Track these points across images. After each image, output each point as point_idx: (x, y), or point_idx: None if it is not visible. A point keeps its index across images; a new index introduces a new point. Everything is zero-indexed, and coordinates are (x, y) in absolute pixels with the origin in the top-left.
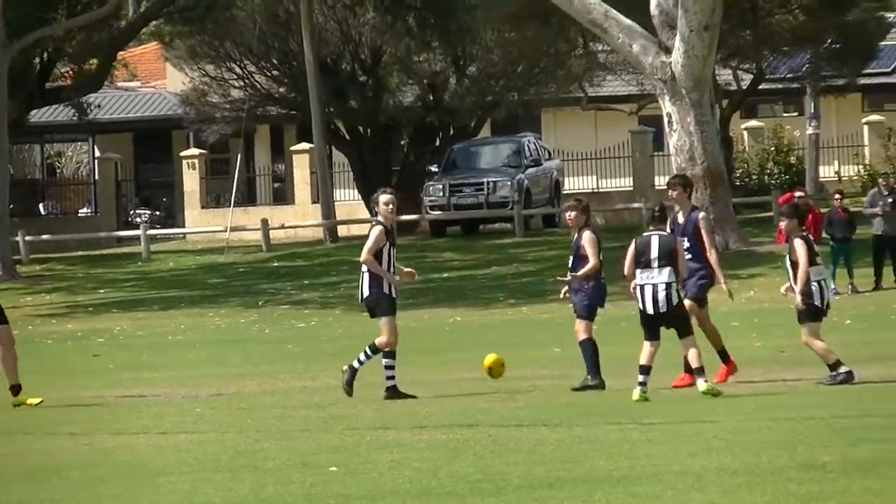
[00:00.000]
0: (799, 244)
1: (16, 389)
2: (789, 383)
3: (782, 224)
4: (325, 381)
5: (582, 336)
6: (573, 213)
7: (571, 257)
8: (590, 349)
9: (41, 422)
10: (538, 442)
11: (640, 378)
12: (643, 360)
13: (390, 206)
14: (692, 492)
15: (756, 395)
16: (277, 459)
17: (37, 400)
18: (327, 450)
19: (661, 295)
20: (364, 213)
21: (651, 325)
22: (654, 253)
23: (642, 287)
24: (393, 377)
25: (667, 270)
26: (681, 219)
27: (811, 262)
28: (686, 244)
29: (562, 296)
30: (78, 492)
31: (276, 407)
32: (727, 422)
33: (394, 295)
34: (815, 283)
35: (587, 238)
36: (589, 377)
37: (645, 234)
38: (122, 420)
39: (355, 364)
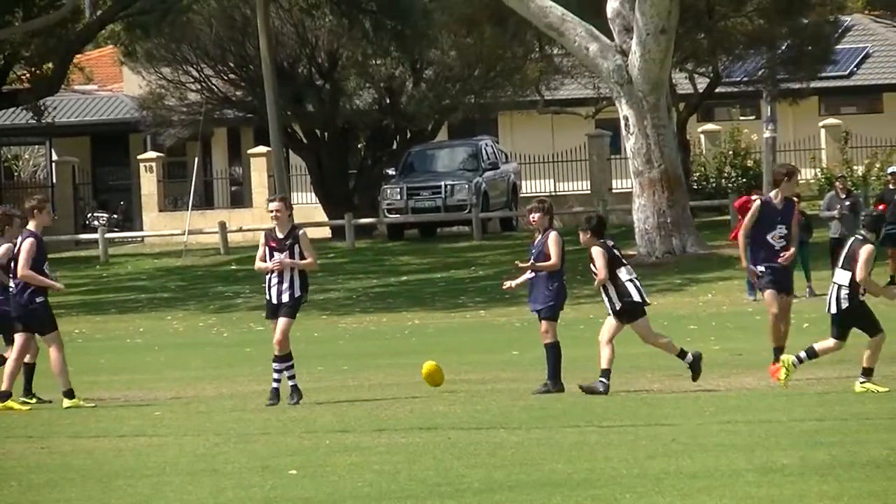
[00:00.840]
0: (597, 253)
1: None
2: (747, 386)
3: (581, 238)
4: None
5: (547, 339)
6: (537, 215)
7: (532, 259)
8: (553, 353)
9: None
10: (497, 445)
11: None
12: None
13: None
14: (652, 495)
15: (714, 397)
16: (237, 463)
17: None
18: (286, 453)
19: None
20: (322, 216)
21: None
22: None
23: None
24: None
25: None
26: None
27: (617, 266)
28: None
29: (505, 286)
30: (37, 496)
31: (235, 410)
32: (686, 425)
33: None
34: (628, 283)
35: (553, 238)
36: (550, 382)
37: None
38: (80, 424)
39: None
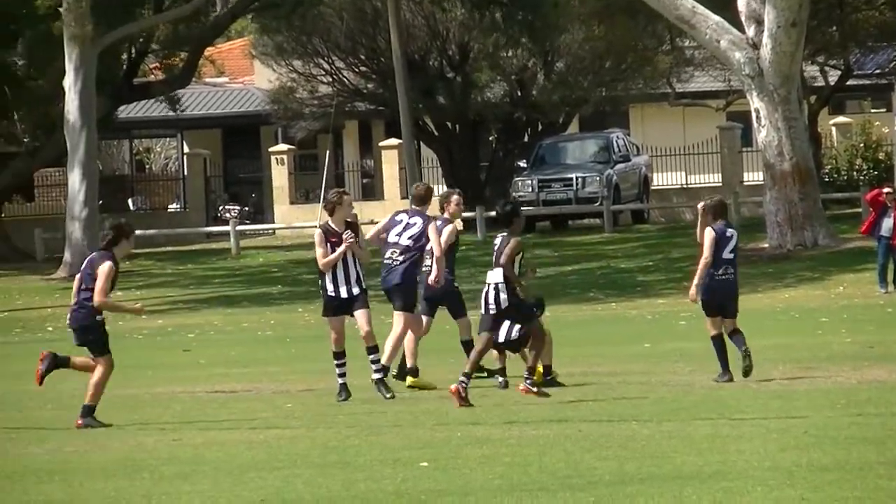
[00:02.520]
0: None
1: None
2: (879, 379)
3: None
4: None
5: (713, 332)
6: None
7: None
8: (719, 345)
9: (131, 417)
10: (628, 437)
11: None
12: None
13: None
14: (783, 488)
15: (845, 390)
16: (368, 455)
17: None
18: (417, 445)
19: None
20: None
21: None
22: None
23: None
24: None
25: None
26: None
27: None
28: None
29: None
30: (169, 487)
31: (366, 402)
32: (817, 417)
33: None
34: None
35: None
36: (722, 372)
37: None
38: (212, 415)
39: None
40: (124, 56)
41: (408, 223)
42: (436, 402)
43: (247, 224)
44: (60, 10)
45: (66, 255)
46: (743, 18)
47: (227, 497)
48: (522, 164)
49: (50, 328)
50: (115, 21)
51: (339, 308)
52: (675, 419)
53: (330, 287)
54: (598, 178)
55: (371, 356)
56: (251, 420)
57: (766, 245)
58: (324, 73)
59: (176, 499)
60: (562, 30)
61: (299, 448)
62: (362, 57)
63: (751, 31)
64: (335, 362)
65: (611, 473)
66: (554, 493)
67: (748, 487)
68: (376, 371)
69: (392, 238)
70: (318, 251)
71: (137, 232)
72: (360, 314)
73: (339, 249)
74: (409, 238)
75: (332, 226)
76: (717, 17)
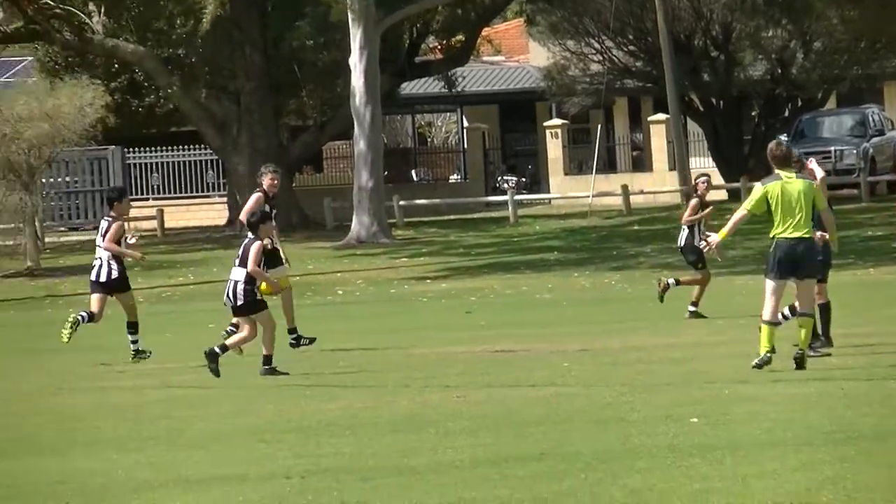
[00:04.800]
0: None
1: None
2: None
3: None
4: (685, 338)
5: None
6: None
7: None
8: None
9: (417, 375)
10: (888, 395)
11: None
12: None
13: None
14: None
15: None
16: (642, 412)
17: None
18: (689, 402)
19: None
20: (719, 180)
21: None
22: None
23: None
24: None
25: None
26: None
27: None
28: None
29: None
30: (454, 442)
31: (640, 362)
32: None
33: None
34: None
35: None
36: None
37: None
38: (493, 374)
39: None
40: (406, 36)
41: None
42: (707, 363)
43: (524, 194)
44: None
45: (353, 224)
46: None
47: (509, 450)
48: (784, 137)
49: (340, 291)
50: (397, 3)
51: None
52: None
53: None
54: (855, 151)
55: None
56: (530, 378)
57: None
58: (595, 51)
59: (461, 452)
60: (818, 13)
61: (576, 405)
62: (631, 37)
63: None
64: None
65: (871, 428)
66: (818, 448)
67: None
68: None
69: None
70: None
71: (421, 201)
72: None
73: None
74: None
75: None
76: None
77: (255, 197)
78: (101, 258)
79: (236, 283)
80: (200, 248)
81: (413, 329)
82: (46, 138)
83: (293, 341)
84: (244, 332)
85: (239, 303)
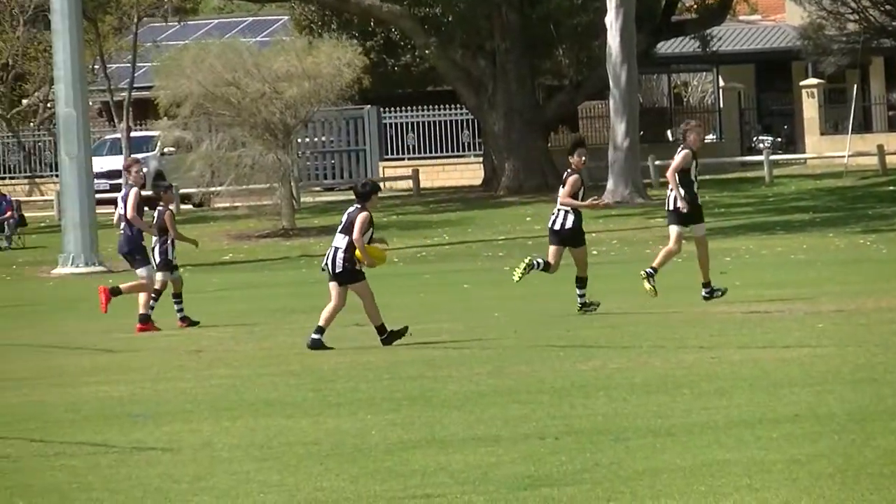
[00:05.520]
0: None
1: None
2: None
3: None
4: None
5: None
6: None
7: None
8: None
9: (669, 336)
10: None
11: None
12: None
13: None
14: None
15: None
16: (895, 372)
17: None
18: None
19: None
20: None
21: None
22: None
23: None
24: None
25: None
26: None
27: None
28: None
29: None
30: (706, 403)
31: (895, 323)
32: None
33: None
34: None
35: None
36: None
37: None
38: (748, 335)
39: None
40: None
41: None
42: None
43: (779, 154)
44: None
45: (609, 183)
46: None
47: (762, 411)
48: None
49: (594, 252)
50: None
51: None
52: None
53: None
54: None
55: None
56: (784, 339)
57: None
58: (850, 11)
59: (714, 413)
60: None
61: (830, 365)
62: None
63: None
64: None
65: None
66: None
67: None
68: None
69: None
70: None
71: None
72: None
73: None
74: None
75: None
76: None
77: (682, 154)
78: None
79: (336, 250)
80: (455, 208)
81: (667, 289)
82: (304, 98)
83: (706, 294)
84: (333, 302)
85: (338, 270)
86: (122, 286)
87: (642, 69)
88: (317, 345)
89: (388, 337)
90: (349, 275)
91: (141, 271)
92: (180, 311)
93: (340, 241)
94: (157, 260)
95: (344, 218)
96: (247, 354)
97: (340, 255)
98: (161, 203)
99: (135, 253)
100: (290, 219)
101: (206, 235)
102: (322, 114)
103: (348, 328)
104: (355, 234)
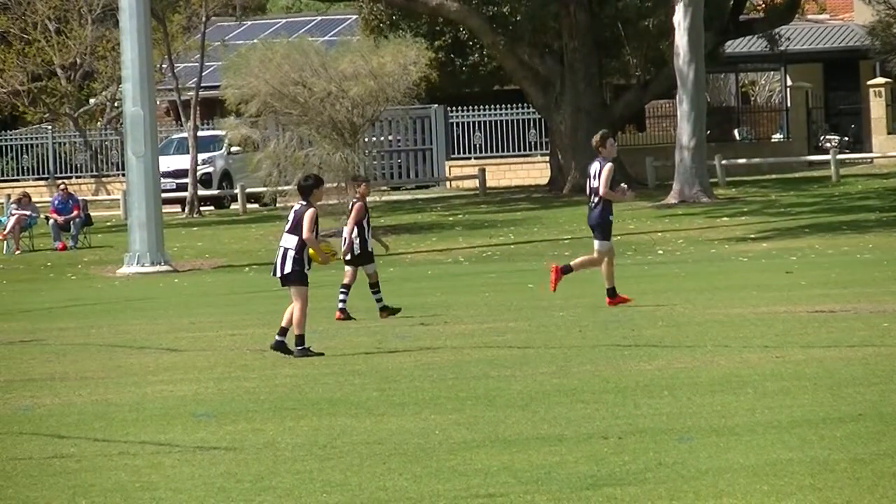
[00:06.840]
0: None
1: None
2: None
3: None
4: None
5: None
6: None
7: None
8: None
9: (733, 335)
10: None
11: None
12: None
13: None
14: None
15: None
16: None
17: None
18: None
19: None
20: None
21: None
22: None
23: None
24: None
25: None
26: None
27: None
28: None
29: None
30: (770, 402)
31: None
32: None
33: None
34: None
35: None
36: None
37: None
38: (812, 334)
39: None
40: None
41: None
42: None
43: (846, 153)
44: None
45: (675, 183)
46: None
47: (826, 410)
48: None
49: (660, 251)
50: None
51: None
52: None
53: None
54: None
55: None
56: (849, 338)
57: None
58: None
59: (778, 412)
60: None
61: (895, 365)
62: None
63: None
64: None
65: None
66: None
67: None
68: None
69: None
70: None
71: (742, 160)
72: None
73: None
74: None
75: None
76: None
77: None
78: None
79: (286, 250)
80: (521, 207)
81: (733, 289)
82: (371, 97)
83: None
84: (297, 303)
85: (286, 272)
86: (572, 263)
87: (710, 68)
88: (280, 347)
89: (304, 350)
90: (297, 276)
91: (597, 245)
92: (344, 301)
93: (289, 240)
94: (358, 252)
95: (290, 216)
96: None
97: (291, 254)
98: (357, 195)
99: (596, 229)
100: None
101: (271, 235)
102: (389, 113)
103: (414, 327)
104: (305, 233)
